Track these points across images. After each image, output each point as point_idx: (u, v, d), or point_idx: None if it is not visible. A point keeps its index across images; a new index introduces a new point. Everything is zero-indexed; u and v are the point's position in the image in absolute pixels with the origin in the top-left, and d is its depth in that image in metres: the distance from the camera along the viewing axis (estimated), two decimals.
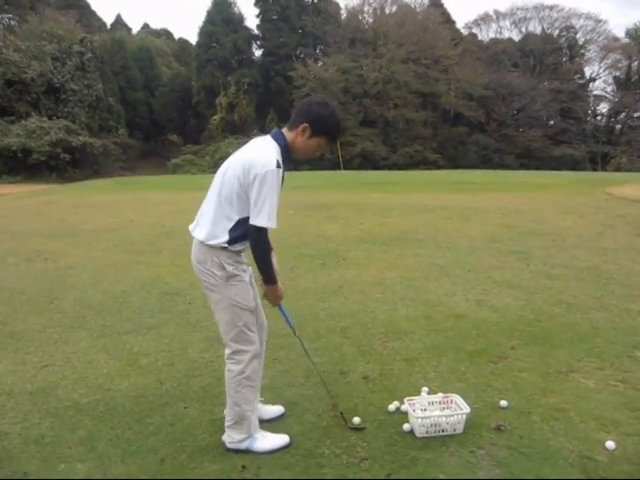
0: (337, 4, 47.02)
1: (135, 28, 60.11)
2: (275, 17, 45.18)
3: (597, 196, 14.28)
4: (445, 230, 8.78)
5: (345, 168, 33.43)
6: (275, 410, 2.80)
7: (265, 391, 3.03)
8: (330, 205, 12.30)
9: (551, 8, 47.21)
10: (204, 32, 43.69)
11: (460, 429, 2.53)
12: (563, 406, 2.83)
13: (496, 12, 49.82)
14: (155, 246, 7.90)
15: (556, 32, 48.57)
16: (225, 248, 2.33)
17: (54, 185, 26.25)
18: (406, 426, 2.58)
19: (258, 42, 46.72)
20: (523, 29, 49.97)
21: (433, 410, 2.62)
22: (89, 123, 35.93)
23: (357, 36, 43.69)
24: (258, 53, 47.40)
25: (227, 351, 2.45)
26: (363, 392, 3.03)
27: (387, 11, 45.91)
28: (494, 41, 48.97)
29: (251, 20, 72.45)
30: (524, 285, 5.34)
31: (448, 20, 46.29)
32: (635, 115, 44.23)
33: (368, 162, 38.32)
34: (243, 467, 2.35)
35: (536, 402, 2.88)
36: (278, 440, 2.50)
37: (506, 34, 50.59)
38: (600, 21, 46.20)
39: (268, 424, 2.67)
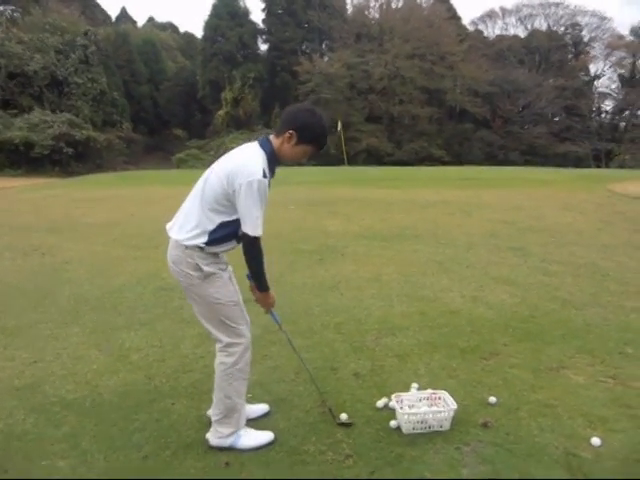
0: None
1: (140, 21, 60.11)
2: (281, 11, 45.03)
3: (598, 193, 14.21)
4: (445, 226, 8.74)
5: (350, 164, 33.37)
6: (259, 409, 2.77)
7: (254, 387, 3.02)
8: (332, 200, 12.28)
9: (557, 5, 47.24)
10: (209, 26, 43.54)
11: (447, 426, 2.51)
12: (552, 402, 2.82)
13: (502, 9, 50.03)
14: (154, 241, 7.85)
15: (561, 29, 48.46)
16: (202, 249, 2.32)
17: (56, 179, 26.20)
18: (393, 422, 2.56)
19: (264, 36, 46.62)
20: (529, 26, 49.95)
21: (421, 406, 2.59)
22: (93, 117, 35.91)
23: (363, 31, 43.57)
24: (264, 47, 47.34)
25: (219, 345, 2.43)
26: (353, 388, 3.01)
27: (393, 6, 45.71)
28: (500, 38, 48.82)
29: (257, 14, 72.11)
30: (520, 281, 5.32)
31: (454, 16, 46.06)
32: (639, 113, 43.97)
33: (373, 158, 38.25)
34: (227, 464, 2.33)
35: (525, 398, 2.87)
36: (262, 437, 2.48)
37: (512, 31, 50.49)
38: (605, 19, 46.25)
39: (254, 422, 2.65)
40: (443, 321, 4.13)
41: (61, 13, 39.70)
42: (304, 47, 45.26)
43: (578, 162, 39.13)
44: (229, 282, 2.44)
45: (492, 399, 2.80)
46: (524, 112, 43.83)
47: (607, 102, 47.65)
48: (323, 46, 47.54)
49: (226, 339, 2.40)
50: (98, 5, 52.64)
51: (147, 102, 44.26)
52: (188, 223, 2.34)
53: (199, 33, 48.33)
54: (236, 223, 2.29)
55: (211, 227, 2.30)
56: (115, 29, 45.21)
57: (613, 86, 47.36)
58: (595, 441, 2.40)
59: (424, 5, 46.54)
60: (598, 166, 39.91)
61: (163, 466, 2.34)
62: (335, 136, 31.49)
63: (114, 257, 6.79)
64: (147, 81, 44.51)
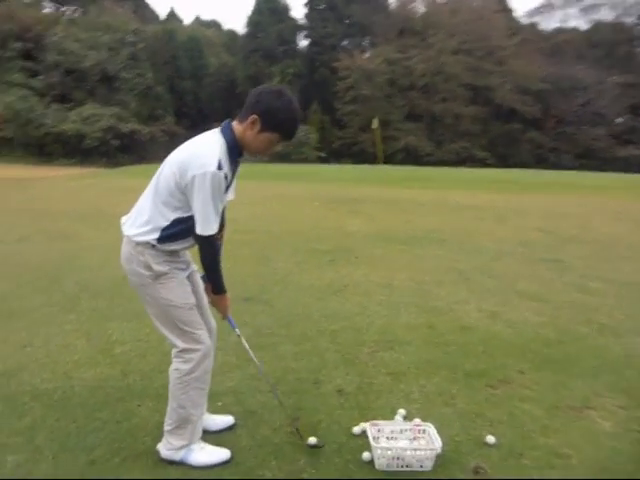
0: None
1: (187, 20, 61.49)
2: (323, 6, 44.76)
3: None
4: (474, 232, 8.27)
5: (386, 163, 32.80)
6: (223, 421, 2.51)
7: (226, 395, 2.82)
8: (358, 199, 11.96)
9: None
10: (251, 22, 44.10)
11: (429, 466, 2.15)
12: (565, 451, 2.34)
13: None
14: None
15: (630, 20, 45.05)
16: (153, 246, 2.08)
17: (102, 169, 27.06)
18: (366, 455, 2.22)
19: (304, 32, 46.54)
20: (592, 17, 46.81)
21: (401, 439, 2.26)
22: (139, 111, 36.97)
23: (406, 26, 42.62)
24: (303, 43, 47.22)
25: (174, 350, 2.20)
26: (332, 407, 2.70)
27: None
28: (558, 31, 46.29)
29: (298, 10, 72.27)
30: (551, 298, 4.79)
31: (505, 8, 44.31)
32: None
33: (411, 157, 37.47)
34: None
35: (532, 442, 2.42)
36: (217, 454, 2.24)
37: (572, 23, 48.00)
38: None
39: (215, 435, 2.41)
40: (452, 338, 3.72)
41: (115, 12, 41.08)
42: (345, 43, 44.69)
43: None
44: (185, 283, 2.19)
45: (491, 438, 2.37)
46: (581, 112, 40.98)
47: None
48: (364, 42, 46.82)
49: (182, 344, 2.16)
50: (148, 5, 54.24)
51: (189, 97, 45.20)
52: (140, 217, 2.11)
53: (242, 30, 48.83)
54: (192, 220, 2.03)
55: (164, 223, 2.06)
56: (162, 27, 46.34)
57: None
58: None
59: None
60: None
61: (107, 474, 2.14)
62: (371, 134, 31.03)
63: None
64: (190, 77, 45.43)
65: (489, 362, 3.31)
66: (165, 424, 2.25)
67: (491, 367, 3.23)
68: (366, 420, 2.47)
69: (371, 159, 33.17)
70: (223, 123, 2.12)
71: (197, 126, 46.71)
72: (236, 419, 2.55)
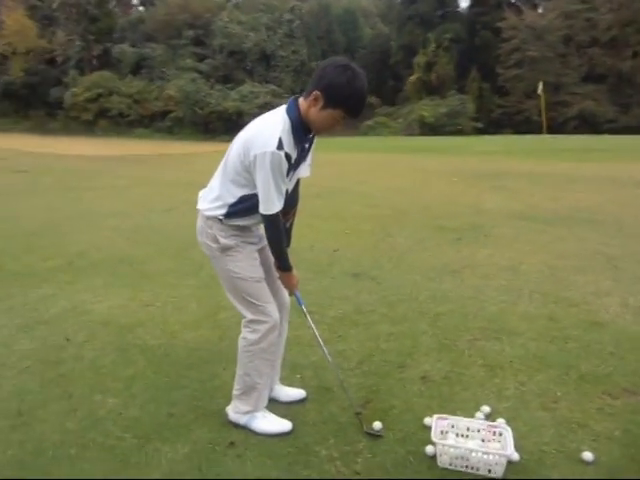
0: None
1: None
2: None
3: None
4: None
5: (556, 132, 29.41)
6: (295, 393, 2.52)
7: (307, 369, 2.82)
8: (503, 173, 11.03)
9: None
10: None
11: (499, 473, 1.89)
12: None
13: None
14: (300, 205, 7.96)
15: None
16: (220, 221, 2.12)
17: None
18: (430, 449, 2.03)
19: None
20: None
21: (474, 439, 2.02)
22: (293, 87, 38.57)
23: None
24: (464, 5, 44.29)
25: (243, 320, 2.25)
26: (410, 394, 2.53)
27: None
28: None
29: None
30: None
31: None
32: None
33: (587, 125, 32.89)
34: (231, 443, 2.17)
35: None
36: (279, 425, 2.26)
37: None
38: None
39: (285, 405, 2.44)
40: (575, 333, 3.20)
41: None
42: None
43: None
44: (252, 257, 2.20)
45: (588, 455, 1.99)
46: None
47: None
48: None
49: (250, 315, 2.20)
50: None
51: None
52: (211, 193, 2.18)
53: None
54: (257, 197, 2.02)
55: (231, 200, 2.10)
56: (318, 2, 47.27)
57: None
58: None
59: None
60: None
61: (176, 430, 2.28)
62: (537, 101, 27.97)
63: None
64: (344, 50, 45.83)
65: (616, 366, 2.78)
66: (234, 389, 2.32)
67: (617, 372, 2.72)
68: (444, 412, 2.25)
69: (536, 129, 29.90)
70: (289, 100, 2.05)
71: None
72: (309, 394, 2.54)
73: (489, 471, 1.90)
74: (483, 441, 2.00)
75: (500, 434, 2.01)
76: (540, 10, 39.54)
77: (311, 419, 2.33)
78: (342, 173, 12.77)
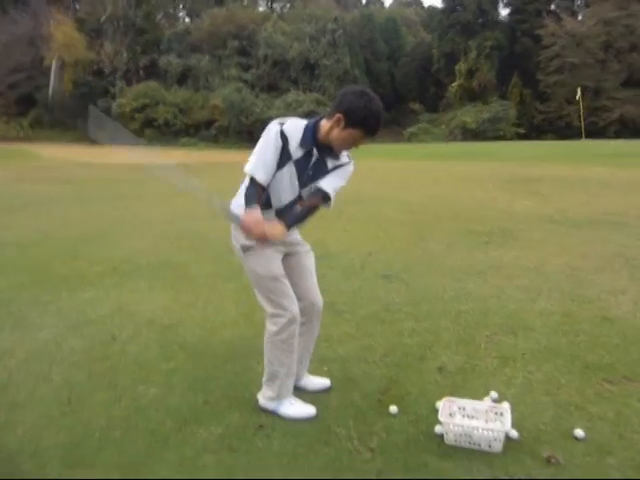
0: None
1: (387, 2, 62.07)
2: None
3: None
4: None
5: (597, 137, 28.77)
6: (320, 383, 2.75)
7: (334, 362, 3.02)
8: (537, 179, 10.99)
9: None
10: None
11: (497, 448, 2.09)
12: None
13: None
14: (338, 211, 8.22)
15: None
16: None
17: None
18: (438, 428, 2.24)
19: (505, 0, 43.17)
20: None
21: (480, 419, 2.21)
22: (336, 95, 38.95)
23: None
24: (504, 13, 43.97)
25: (266, 313, 2.49)
26: (426, 382, 2.74)
27: None
28: None
29: None
30: None
31: None
32: None
33: (628, 130, 32.23)
34: (260, 426, 2.40)
35: (629, 442, 2.16)
36: (304, 410, 2.48)
37: None
38: None
39: (312, 394, 2.65)
40: (586, 327, 3.36)
41: (318, 3, 43.79)
42: (552, 7, 40.15)
43: None
44: (271, 257, 2.40)
45: (579, 432, 2.18)
46: None
47: None
48: (575, 3, 41.41)
49: (270, 309, 2.43)
50: None
51: (385, 78, 45.85)
52: (237, 195, 2.44)
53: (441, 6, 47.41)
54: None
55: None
56: (361, 11, 47.69)
57: None
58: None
59: None
60: None
61: (211, 415, 2.51)
62: (577, 106, 27.49)
63: None
64: (386, 58, 46.08)
65: (619, 356, 2.95)
66: (264, 375, 2.57)
67: (619, 362, 2.88)
68: (454, 397, 2.46)
69: (577, 134, 29.47)
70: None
71: (391, 106, 47.52)
72: (334, 384, 2.75)
73: (489, 446, 2.10)
74: (486, 422, 2.19)
75: (501, 414, 2.20)
76: (579, 17, 38.93)
77: (334, 405, 2.55)
78: (382, 180, 12.97)
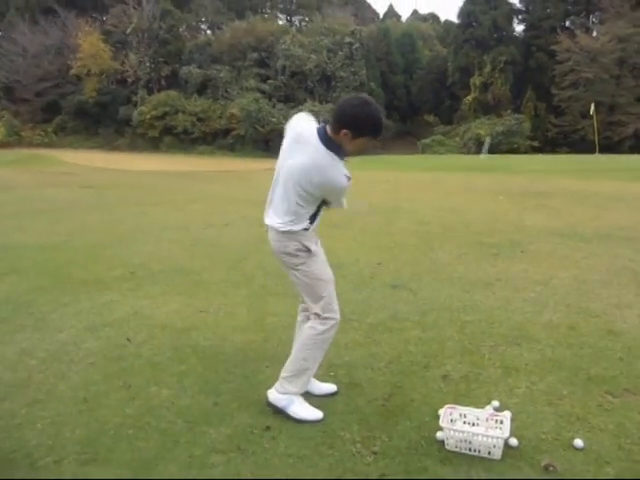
0: None
1: (405, 16, 62.70)
2: None
3: None
4: None
5: (612, 151, 28.63)
6: (326, 387, 2.83)
7: (340, 368, 3.09)
8: (548, 193, 11.00)
9: None
10: (464, 12, 43.22)
11: (497, 455, 2.15)
12: None
13: None
14: (349, 221, 8.29)
15: None
16: (306, 230, 2.53)
17: None
18: (439, 434, 2.31)
19: (519, 16, 43.40)
20: None
21: (479, 426, 2.27)
22: (335, 105, 39.32)
23: None
24: (518, 29, 44.22)
25: (316, 313, 2.58)
26: (430, 390, 2.80)
27: None
28: None
29: None
30: None
31: None
32: None
33: None
34: (267, 427, 2.49)
35: (628, 454, 2.20)
36: (312, 413, 2.57)
37: None
38: None
39: (318, 398, 2.73)
40: (591, 340, 3.40)
41: (336, 17, 44.38)
42: (567, 23, 40.26)
43: None
44: (325, 260, 2.63)
45: (578, 442, 2.23)
46: None
47: None
48: (591, 20, 41.47)
49: (324, 313, 2.55)
50: (369, 6, 57.06)
51: (401, 91, 46.22)
52: (283, 209, 2.63)
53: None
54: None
55: (311, 211, 2.58)
56: (378, 26, 48.16)
57: None
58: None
59: None
60: None
61: (220, 416, 2.61)
62: (592, 120, 27.44)
63: None
64: (402, 71, 46.43)
65: (622, 369, 2.99)
66: (283, 371, 2.63)
67: (622, 375, 2.92)
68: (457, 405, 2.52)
69: (592, 148, 29.36)
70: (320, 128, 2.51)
71: (407, 119, 47.82)
72: (340, 389, 2.83)
73: (489, 453, 2.16)
74: (487, 429, 2.25)
75: (501, 422, 2.26)
76: (594, 34, 39.00)
77: (339, 409, 2.63)
78: (395, 191, 13.03)
